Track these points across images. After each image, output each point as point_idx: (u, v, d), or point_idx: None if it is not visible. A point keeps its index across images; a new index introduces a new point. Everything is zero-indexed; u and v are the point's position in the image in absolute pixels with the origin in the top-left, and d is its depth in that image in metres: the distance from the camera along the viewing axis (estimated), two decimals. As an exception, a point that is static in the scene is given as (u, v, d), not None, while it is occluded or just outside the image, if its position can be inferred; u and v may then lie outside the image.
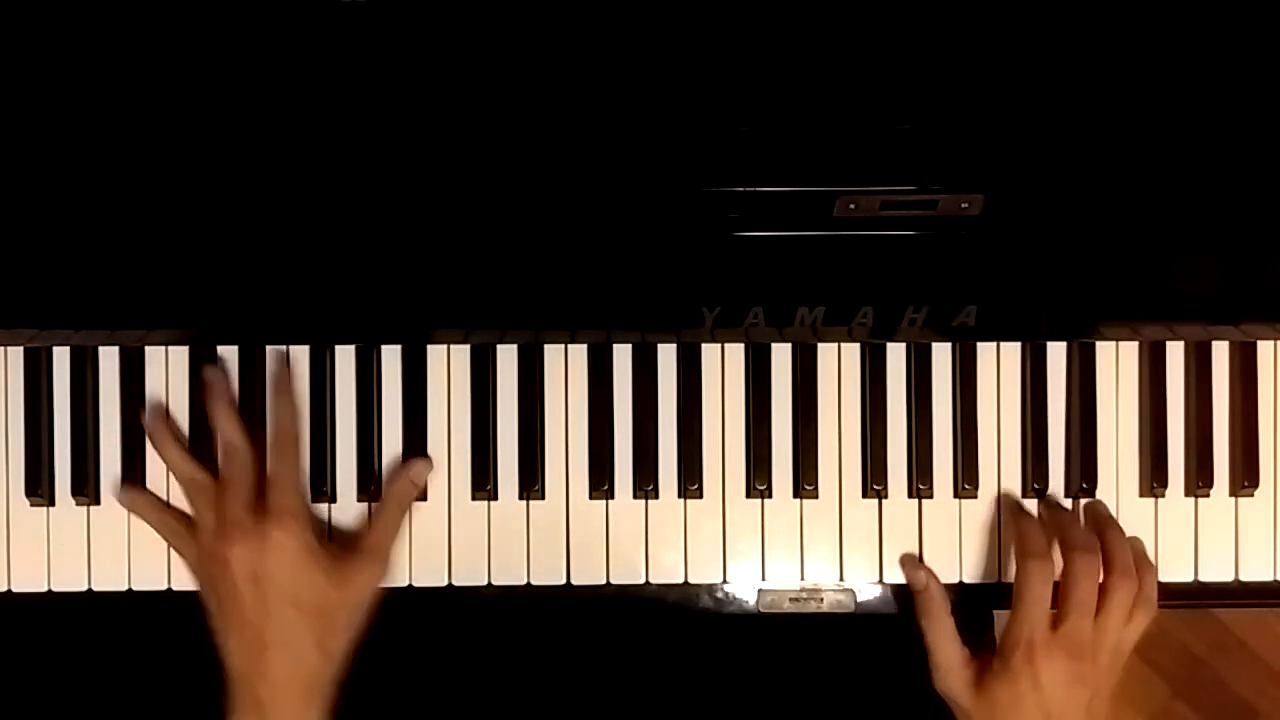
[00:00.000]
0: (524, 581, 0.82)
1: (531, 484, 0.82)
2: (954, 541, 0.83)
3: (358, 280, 0.75)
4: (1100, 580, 0.76)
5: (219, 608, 0.76)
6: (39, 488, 0.82)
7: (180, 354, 0.82)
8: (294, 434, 0.81)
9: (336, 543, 0.80)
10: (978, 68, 0.69)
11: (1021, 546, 0.78)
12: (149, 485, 0.82)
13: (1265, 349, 0.84)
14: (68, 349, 0.82)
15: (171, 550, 0.82)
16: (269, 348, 0.82)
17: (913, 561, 0.82)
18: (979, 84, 0.69)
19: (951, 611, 0.79)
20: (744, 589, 0.83)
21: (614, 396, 0.83)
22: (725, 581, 0.83)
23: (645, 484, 0.82)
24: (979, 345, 0.83)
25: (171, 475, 0.81)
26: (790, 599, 0.83)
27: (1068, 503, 0.83)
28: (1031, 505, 0.83)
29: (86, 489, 0.82)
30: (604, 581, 0.82)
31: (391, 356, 0.83)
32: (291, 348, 0.82)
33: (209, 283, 0.75)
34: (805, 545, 0.83)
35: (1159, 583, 0.79)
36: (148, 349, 0.82)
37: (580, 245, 0.73)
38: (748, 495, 0.83)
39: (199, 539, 0.78)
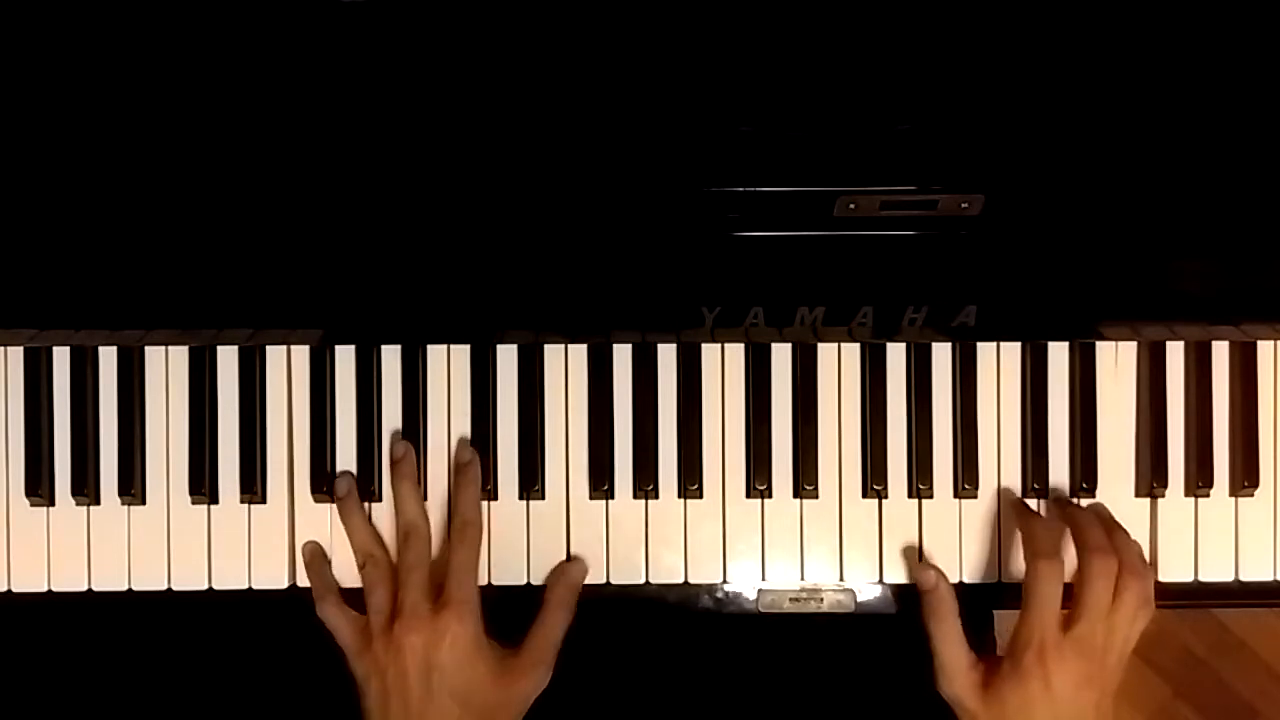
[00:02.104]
0: (524, 582, 0.82)
1: (531, 484, 0.82)
2: (954, 542, 0.83)
3: (358, 281, 0.75)
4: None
5: (381, 695, 0.75)
6: (39, 488, 0.82)
7: (180, 354, 0.82)
8: (479, 524, 0.80)
9: (501, 642, 0.79)
10: (977, 68, 0.69)
11: (1031, 547, 0.78)
12: (149, 491, 0.82)
13: (1265, 349, 0.84)
14: (68, 349, 0.82)
15: (172, 551, 0.82)
16: (269, 348, 0.82)
17: (919, 561, 0.82)
18: (979, 84, 0.69)
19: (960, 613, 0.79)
20: (744, 589, 0.83)
21: (614, 396, 0.83)
22: (725, 581, 0.83)
23: (645, 484, 0.82)
24: (979, 345, 0.83)
25: (350, 545, 0.81)
26: (790, 599, 0.83)
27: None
28: (1033, 505, 0.82)
29: (86, 489, 0.82)
30: (604, 581, 0.82)
31: (391, 356, 0.83)
32: (292, 348, 0.82)
33: (208, 283, 0.75)
34: (805, 545, 0.83)
35: (1159, 583, 0.79)
36: (148, 349, 0.82)
37: (581, 245, 0.73)
38: (748, 495, 0.83)
39: (370, 619, 0.77)
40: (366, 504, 0.82)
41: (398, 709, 0.74)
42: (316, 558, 0.82)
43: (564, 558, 0.82)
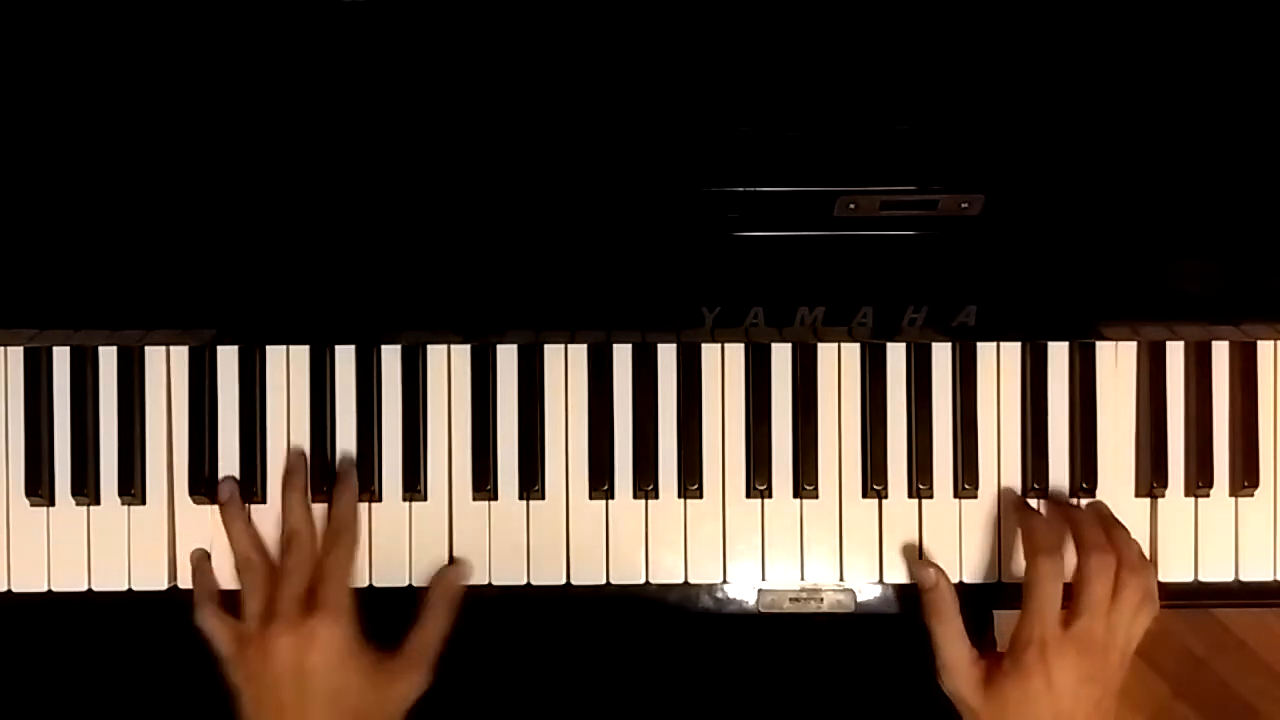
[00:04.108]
0: (524, 581, 0.82)
1: (531, 484, 0.82)
2: (954, 541, 0.83)
3: (358, 280, 0.75)
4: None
5: (255, 700, 0.75)
6: (39, 488, 0.82)
7: (180, 354, 0.82)
8: (355, 529, 0.80)
9: (377, 645, 0.78)
10: (977, 68, 0.69)
11: (1031, 544, 0.78)
12: (149, 491, 0.82)
13: (1265, 349, 0.84)
14: (68, 349, 0.82)
15: (179, 552, 0.82)
16: (269, 348, 0.82)
17: (920, 559, 0.82)
18: (979, 84, 0.69)
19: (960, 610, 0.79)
20: (744, 589, 0.83)
21: (614, 396, 0.83)
22: (725, 581, 0.83)
23: (645, 484, 0.82)
24: (979, 345, 0.83)
25: (231, 549, 0.81)
26: (790, 599, 0.83)
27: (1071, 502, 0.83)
28: (1033, 505, 0.82)
29: (86, 489, 0.82)
30: (604, 581, 0.82)
31: (391, 356, 0.83)
32: (291, 348, 0.82)
33: (209, 283, 0.75)
34: (805, 545, 0.83)
35: (1159, 583, 0.79)
36: (148, 349, 0.82)
37: (580, 245, 0.73)
38: (748, 495, 0.83)
39: (245, 625, 0.77)
40: (364, 503, 0.82)
41: (271, 714, 0.74)
42: (201, 563, 0.82)
43: (564, 558, 0.82)
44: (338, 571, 0.78)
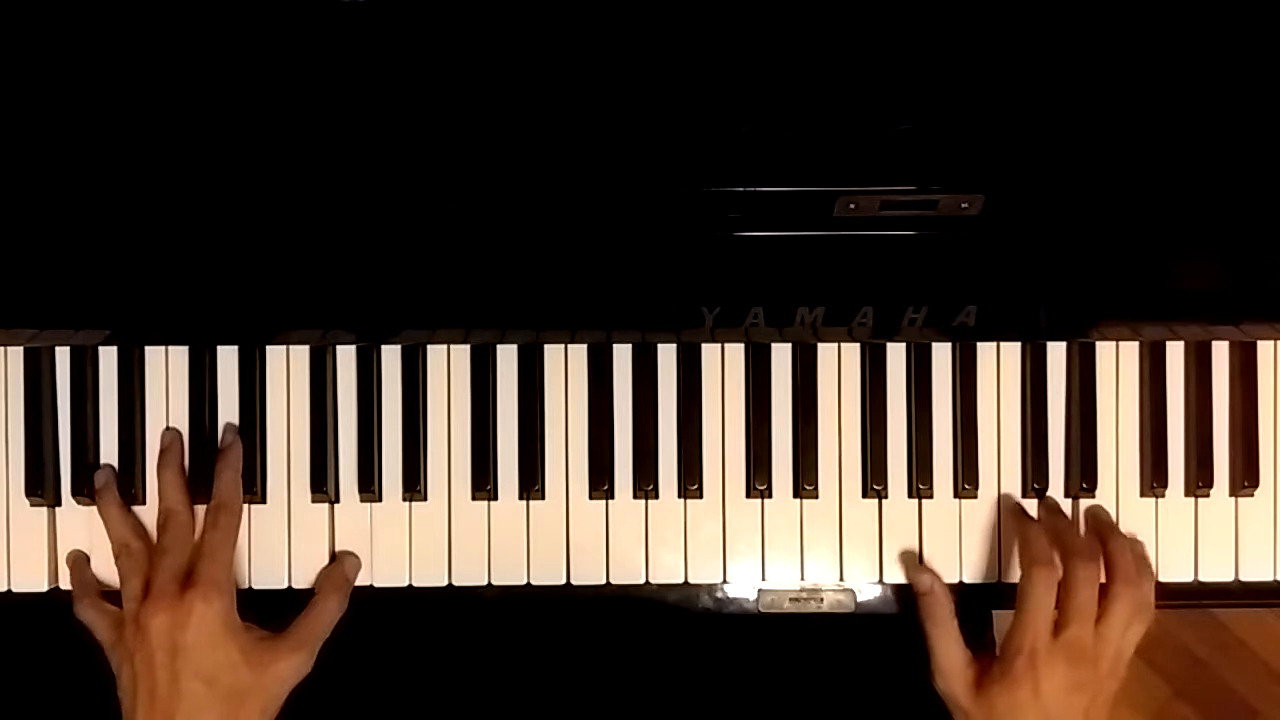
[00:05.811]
0: (524, 581, 0.82)
1: (531, 484, 0.82)
2: (954, 542, 0.83)
3: (359, 280, 0.75)
4: (1101, 586, 0.76)
5: (130, 681, 0.74)
6: (39, 488, 0.82)
7: (180, 354, 0.82)
8: (236, 506, 0.80)
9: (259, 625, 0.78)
10: (977, 68, 0.69)
11: (1026, 553, 0.78)
12: (149, 491, 0.82)
13: (1265, 349, 0.84)
14: (68, 349, 0.82)
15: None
16: (269, 348, 0.82)
17: (916, 563, 0.82)
18: (979, 84, 0.69)
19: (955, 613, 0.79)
20: (744, 589, 0.83)
21: (614, 396, 0.83)
22: (725, 581, 0.83)
23: (645, 484, 0.82)
24: (979, 345, 0.83)
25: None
26: (790, 599, 0.83)
27: (1067, 504, 0.83)
28: (1031, 506, 0.83)
29: (86, 489, 0.82)
30: (604, 581, 0.82)
31: (391, 356, 0.83)
32: (292, 348, 0.82)
33: (209, 282, 0.75)
34: (805, 545, 0.83)
35: (1159, 583, 0.79)
36: (148, 349, 0.82)
37: (580, 245, 0.73)
38: (748, 495, 0.83)
39: (123, 606, 0.77)
40: (367, 504, 0.82)
41: (145, 693, 0.73)
42: (78, 562, 0.81)
43: (564, 558, 0.82)
44: (217, 549, 0.77)
